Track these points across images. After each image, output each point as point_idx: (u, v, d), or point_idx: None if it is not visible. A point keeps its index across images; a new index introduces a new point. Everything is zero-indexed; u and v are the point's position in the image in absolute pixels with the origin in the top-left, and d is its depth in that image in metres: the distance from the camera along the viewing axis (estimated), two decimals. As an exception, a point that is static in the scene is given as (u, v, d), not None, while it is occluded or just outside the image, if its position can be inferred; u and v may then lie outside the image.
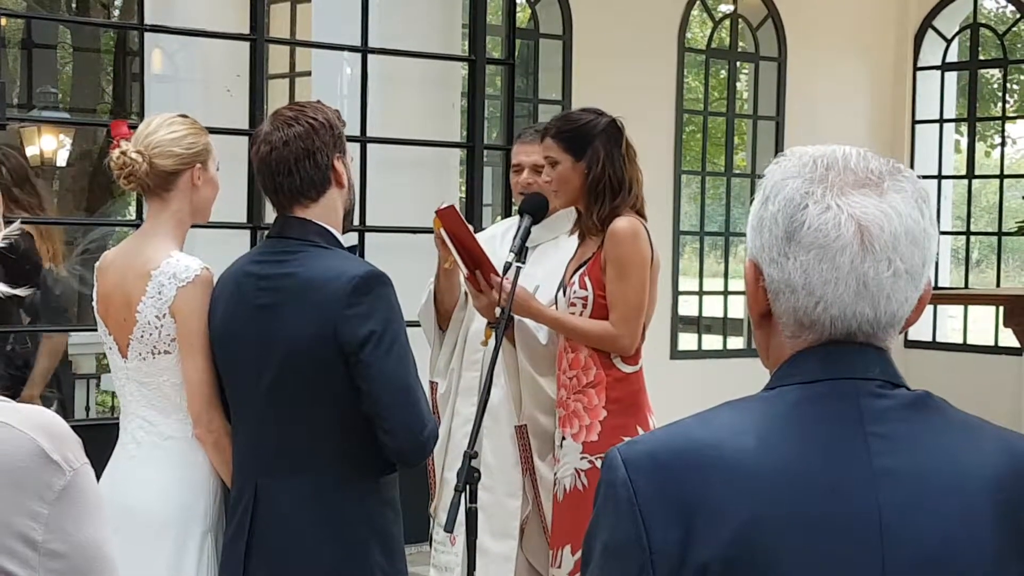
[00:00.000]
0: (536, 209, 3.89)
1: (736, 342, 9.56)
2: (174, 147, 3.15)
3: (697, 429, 1.45)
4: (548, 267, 4.05)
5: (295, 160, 2.89)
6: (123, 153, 3.13)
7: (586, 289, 3.74)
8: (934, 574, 1.39)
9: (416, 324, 3.79)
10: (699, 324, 9.52)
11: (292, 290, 2.88)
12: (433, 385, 4.23)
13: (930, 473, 1.41)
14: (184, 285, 3.07)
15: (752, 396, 1.49)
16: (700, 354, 9.28)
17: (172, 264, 3.10)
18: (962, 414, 1.48)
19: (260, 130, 2.99)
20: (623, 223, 3.70)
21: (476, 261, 3.73)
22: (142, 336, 3.12)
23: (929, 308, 9.57)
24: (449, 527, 3.36)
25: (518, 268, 3.73)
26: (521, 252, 3.75)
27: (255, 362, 2.92)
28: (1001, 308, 6.61)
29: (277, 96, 8.21)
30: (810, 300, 1.42)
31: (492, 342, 3.75)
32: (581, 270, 3.77)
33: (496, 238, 4.20)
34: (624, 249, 3.69)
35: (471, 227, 3.92)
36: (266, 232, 5.89)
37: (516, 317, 3.91)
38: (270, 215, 7.21)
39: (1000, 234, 9.81)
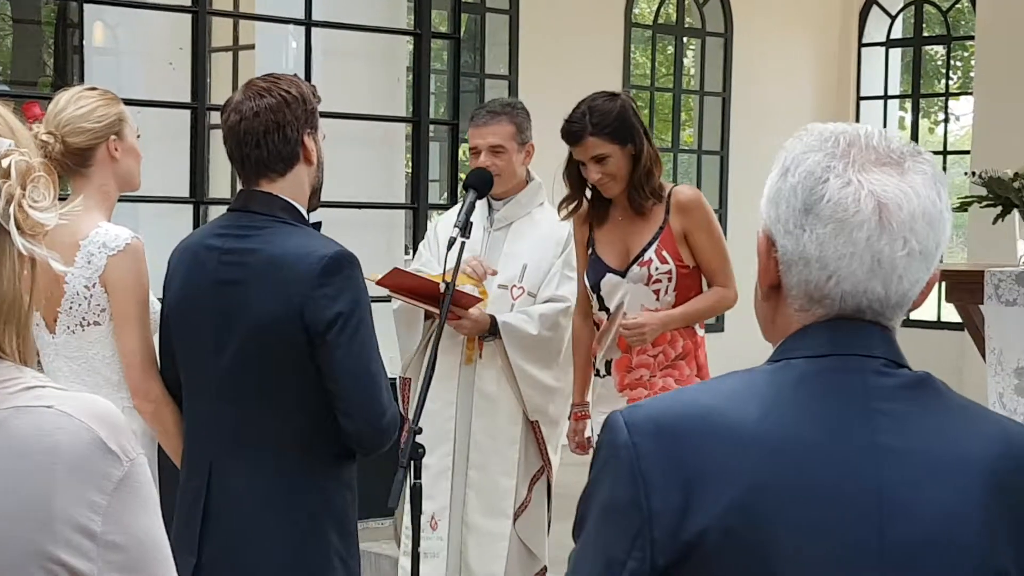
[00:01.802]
0: (480, 184, 3.88)
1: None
2: (84, 122, 3.10)
3: (702, 396, 1.46)
4: (531, 242, 4.11)
5: (264, 132, 2.84)
6: (35, 136, 3.03)
7: (667, 263, 3.85)
8: (931, 552, 1.40)
9: (380, 299, 3.76)
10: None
11: (257, 266, 2.82)
12: (406, 381, 4.23)
13: (931, 453, 1.42)
14: (114, 254, 3.03)
15: (758, 367, 1.49)
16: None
17: (101, 234, 3.06)
18: (960, 397, 1.50)
19: (232, 98, 2.93)
20: (686, 190, 3.96)
21: (438, 299, 3.75)
22: (70, 308, 3.08)
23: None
24: (393, 502, 3.35)
25: (463, 243, 3.72)
26: (466, 227, 3.73)
27: (215, 337, 2.87)
28: (943, 283, 6.65)
29: (220, 70, 8.13)
30: (823, 274, 1.43)
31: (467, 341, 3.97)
32: (653, 246, 3.86)
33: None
34: (703, 212, 3.91)
35: (415, 272, 3.99)
36: (211, 207, 5.91)
37: (498, 316, 3.99)
38: (214, 190, 7.15)
39: (957, 210, 9.89)
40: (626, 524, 1.40)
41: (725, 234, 9.27)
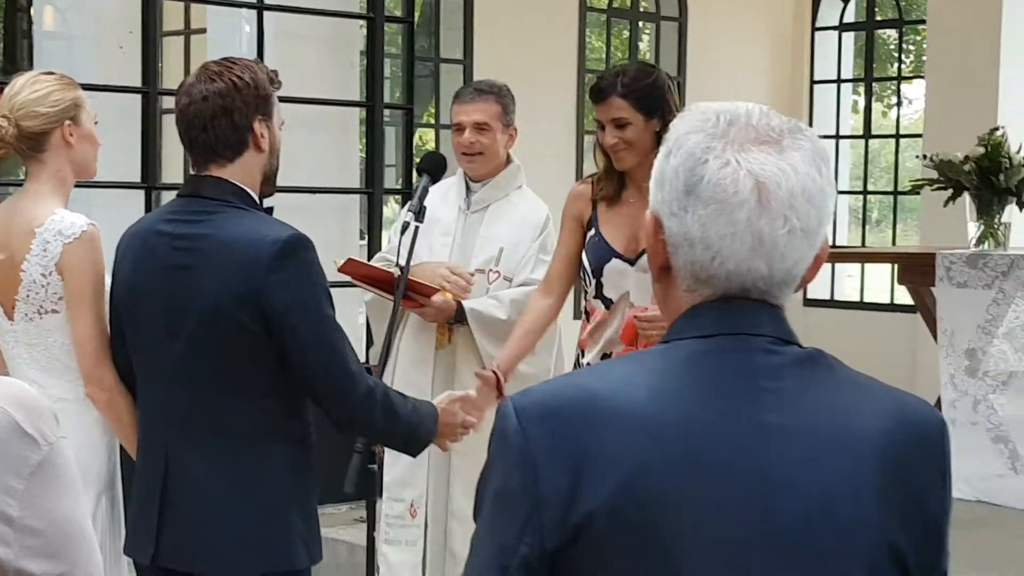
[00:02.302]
0: (434, 168, 3.86)
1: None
2: (38, 107, 3.07)
3: (591, 380, 1.48)
4: (508, 226, 4.08)
5: (211, 116, 2.81)
6: None
7: None
8: (814, 528, 1.41)
9: (339, 284, 3.74)
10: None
11: (209, 252, 2.80)
12: (373, 369, 4.20)
13: (817, 430, 1.42)
14: (70, 242, 3.02)
15: (648, 349, 1.51)
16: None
17: (57, 221, 3.05)
18: (853, 373, 1.50)
19: (185, 81, 2.91)
20: None
21: (390, 284, 3.75)
22: (28, 296, 3.06)
23: (827, 267, 9.71)
24: (349, 487, 3.35)
25: (416, 227, 3.70)
26: (419, 212, 3.72)
27: (167, 324, 2.85)
28: (895, 266, 6.71)
29: (172, 54, 8.06)
30: (706, 254, 1.43)
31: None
32: None
33: (435, 202, 4.13)
34: None
35: (373, 263, 3.99)
36: (163, 192, 5.85)
37: (466, 303, 3.94)
38: (167, 174, 7.08)
39: (896, 193, 9.96)
40: (517, 510, 1.41)
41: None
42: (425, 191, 3.77)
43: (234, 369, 2.81)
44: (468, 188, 4.13)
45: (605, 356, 3.61)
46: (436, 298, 3.86)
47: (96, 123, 3.18)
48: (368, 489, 3.56)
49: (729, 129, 1.43)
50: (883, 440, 1.44)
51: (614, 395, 1.41)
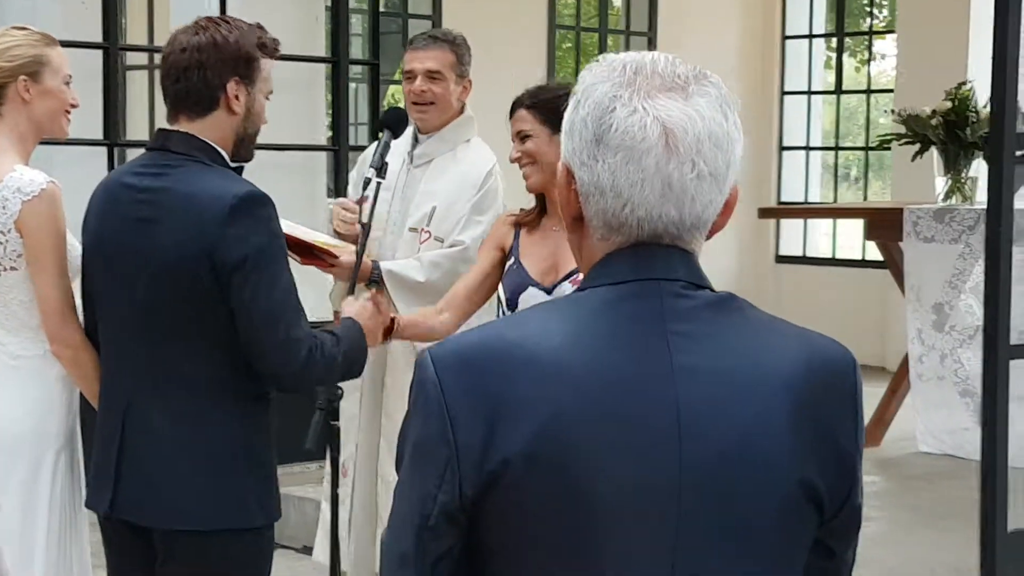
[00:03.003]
0: (395, 122, 3.81)
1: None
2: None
3: (506, 329, 1.52)
4: (446, 183, 3.92)
5: (184, 68, 2.82)
6: None
7: None
8: (729, 468, 1.44)
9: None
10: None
11: (169, 205, 2.80)
12: (336, 315, 4.15)
13: (729, 370, 1.46)
14: (29, 199, 3.01)
15: (564, 297, 1.54)
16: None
17: (15, 178, 3.04)
18: (764, 315, 1.53)
19: (176, 31, 2.91)
20: None
21: (308, 249, 3.61)
22: None
23: (799, 223, 9.74)
24: (311, 444, 3.34)
25: (378, 184, 3.66)
26: (381, 168, 3.68)
27: (128, 277, 2.85)
28: (865, 221, 6.72)
29: (134, 10, 7.97)
30: (618, 202, 1.46)
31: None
32: (574, 276, 3.30)
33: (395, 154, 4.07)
34: None
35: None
36: (127, 149, 5.82)
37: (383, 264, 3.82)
38: (131, 131, 7.01)
39: (867, 149, 9.97)
40: (436, 458, 1.44)
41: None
42: (387, 147, 3.71)
43: (189, 323, 2.81)
44: (416, 141, 3.99)
45: None
46: (345, 257, 3.68)
47: (68, 83, 3.15)
48: (333, 446, 3.55)
49: (635, 77, 1.45)
50: (794, 378, 1.47)
51: (528, 343, 1.44)
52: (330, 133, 6.16)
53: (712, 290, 1.50)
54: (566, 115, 1.51)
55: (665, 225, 1.46)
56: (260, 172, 5.97)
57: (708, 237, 1.53)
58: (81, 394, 3.17)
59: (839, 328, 10.57)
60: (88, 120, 5.52)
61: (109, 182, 2.98)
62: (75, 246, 3.14)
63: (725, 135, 1.47)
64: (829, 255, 9.89)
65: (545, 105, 3.33)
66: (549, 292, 3.35)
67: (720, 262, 9.55)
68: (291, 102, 5.95)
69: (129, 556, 2.97)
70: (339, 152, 5.89)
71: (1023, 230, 3.21)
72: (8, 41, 3.10)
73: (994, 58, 3.05)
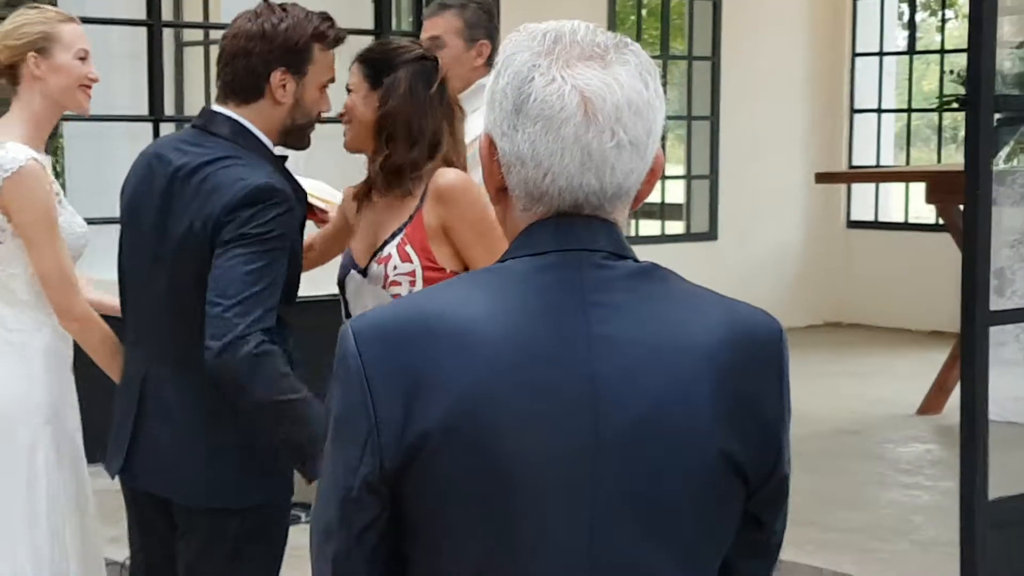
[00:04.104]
0: None
1: (676, 227, 9.56)
2: (7, 40, 3.14)
3: (425, 301, 1.52)
4: None
5: (233, 55, 2.83)
6: None
7: (411, 261, 3.01)
8: (645, 437, 1.43)
9: None
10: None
11: (191, 184, 2.81)
12: None
13: (648, 340, 1.45)
14: (8, 175, 3.06)
15: (485, 268, 1.54)
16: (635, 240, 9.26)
17: (2, 154, 3.06)
18: (688, 284, 1.52)
19: (240, 14, 2.91)
20: (449, 174, 3.02)
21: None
22: None
23: (870, 187, 9.57)
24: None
25: None
26: None
27: (152, 250, 2.88)
28: (925, 184, 6.59)
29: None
30: (538, 172, 1.46)
31: None
32: (396, 239, 3.02)
33: None
34: (468, 202, 3.01)
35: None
36: (170, 124, 5.88)
37: None
38: (189, 107, 7.05)
39: (940, 110, 9.75)
40: (356, 430, 1.44)
41: (716, 140, 9.19)
42: None
43: (204, 300, 2.82)
44: None
45: None
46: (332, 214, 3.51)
47: (82, 59, 3.17)
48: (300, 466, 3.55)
49: (555, 47, 1.45)
50: (715, 348, 1.46)
51: (448, 315, 1.44)
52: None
53: (636, 260, 1.50)
54: (488, 85, 1.51)
55: (586, 195, 1.46)
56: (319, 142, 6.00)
57: (634, 207, 1.53)
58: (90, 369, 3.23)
59: (912, 293, 10.33)
60: (134, 96, 5.60)
61: (148, 152, 3.00)
62: (79, 223, 3.19)
63: (645, 103, 1.46)
64: (901, 220, 9.71)
65: (373, 60, 3.05)
66: (364, 273, 3.05)
67: (789, 228, 9.43)
68: (337, 74, 5.98)
69: (151, 525, 3.01)
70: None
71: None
72: (18, 20, 3.15)
73: (971, 16, 2.96)
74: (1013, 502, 3.22)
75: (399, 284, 3.01)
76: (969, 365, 3.10)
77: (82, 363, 3.34)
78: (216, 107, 2.89)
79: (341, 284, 3.14)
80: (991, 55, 2.91)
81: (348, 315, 3.12)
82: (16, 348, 3.19)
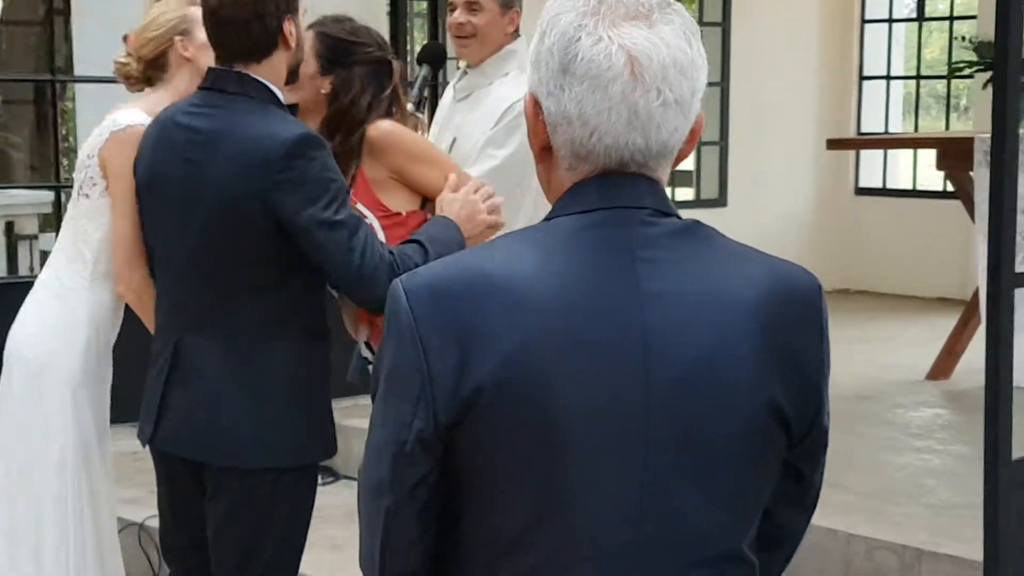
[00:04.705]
0: (432, 58, 3.80)
1: (685, 193, 9.56)
2: (148, 33, 3.25)
3: (476, 258, 1.54)
4: (472, 116, 3.82)
5: (244, 22, 2.84)
6: (116, 61, 3.27)
7: (366, 217, 3.04)
8: (695, 389, 1.47)
9: None
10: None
11: (219, 146, 2.84)
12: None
13: (694, 295, 1.48)
14: (116, 131, 3.17)
15: (532, 227, 1.55)
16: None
17: (120, 114, 3.18)
18: (730, 241, 1.55)
19: None
20: (380, 125, 3.12)
21: None
22: (78, 173, 3.23)
23: (879, 155, 9.57)
24: (352, 377, 3.38)
25: (416, 119, 3.67)
26: (420, 103, 3.68)
27: (179, 217, 2.90)
28: (936, 151, 6.59)
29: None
30: (585, 131, 1.48)
31: None
32: None
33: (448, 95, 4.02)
34: (403, 143, 3.14)
35: None
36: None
37: None
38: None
39: (949, 77, 9.74)
40: (410, 386, 1.47)
41: (727, 106, 9.16)
42: (425, 80, 3.72)
43: (240, 264, 2.86)
44: (464, 74, 3.90)
45: (367, 344, 3.23)
46: None
47: None
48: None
49: (600, 6, 1.48)
50: (759, 302, 1.49)
51: (498, 272, 1.47)
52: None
53: (679, 217, 1.52)
54: (532, 45, 1.53)
55: (631, 153, 1.48)
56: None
57: (674, 165, 1.56)
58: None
59: (920, 260, 10.36)
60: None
61: (163, 119, 3.01)
62: None
63: (690, 62, 1.48)
64: (910, 187, 9.72)
65: (332, 44, 3.12)
66: None
67: (799, 194, 9.44)
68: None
69: (180, 488, 3.04)
70: (400, 88, 5.91)
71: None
72: (151, 13, 3.27)
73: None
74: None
75: None
76: (994, 325, 3.13)
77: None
78: (222, 66, 2.91)
79: None
80: (1019, 17, 2.92)
81: None
82: (66, 304, 3.25)
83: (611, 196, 1.49)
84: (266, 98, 2.88)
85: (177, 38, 3.22)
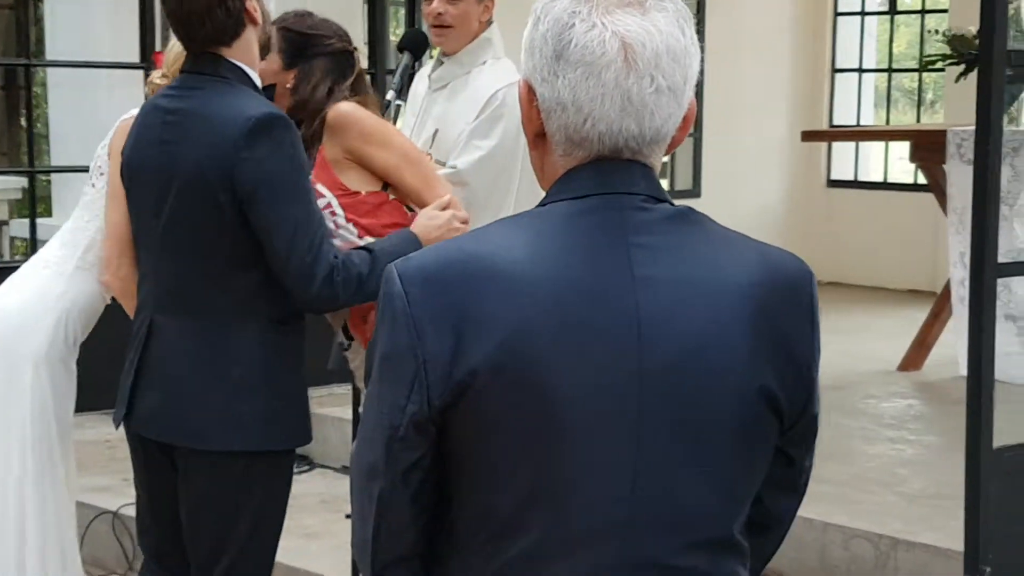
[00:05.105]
0: (414, 45, 3.79)
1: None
2: (180, 49, 3.21)
3: (470, 243, 1.54)
4: (452, 106, 3.80)
5: (207, 10, 2.84)
6: (151, 83, 3.31)
7: (324, 197, 3.10)
8: (688, 372, 1.48)
9: None
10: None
11: (190, 127, 2.85)
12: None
13: (687, 280, 1.49)
14: (124, 120, 3.16)
15: (526, 212, 1.56)
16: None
17: (136, 108, 3.18)
18: (722, 228, 1.56)
19: None
20: (340, 106, 3.16)
21: None
22: (92, 164, 3.32)
23: (850, 147, 9.61)
24: (333, 364, 3.38)
25: (398, 106, 3.66)
26: (401, 90, 3.67)
27: (154, 198, 2.90)
28: (910, 144, 6.63)
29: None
30: (579, 117, 1.48)
31: None
32: None
33: (418, 78, 4.00)
34: (362, 123, 3.17)
35: None
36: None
37: None
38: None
39: (920, 70, 9.79)
40: (403, 369, 1.47)
41: (700, 97, 9.18)
42: (407, 69, 3.71)
43: (209, 244, 2.85)
44: (440, 63, 3.88)
45: (344, 328, 3.26)
46: None
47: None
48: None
49: None
50: (751, 288, 1.50)
51: (492, 256, 1.48)
52: (367, 55, 6.14)
53: (671, 204, 1.53)
54: (526, 31, 1.53)
55: (625, 139, 1.49)
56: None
57: (668, 152, 1.56)
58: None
59: (891, 252, 10.40)
60: (121, 44, 5.55)
61: (146, 104, 3.04)
62: None
63: (683, 49, 1.49)
64: (881, 179, 9.77)
65: (293, 38, 3.17)
66: None
67: (770, 186, 9.48)
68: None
69: (155, 472, 3.03)
70: (376, 74, 5.88)
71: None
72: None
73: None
74: (1011, 451, 3.29)
75: None
76: (977, 315, 3.15)
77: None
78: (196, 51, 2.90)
79: None
80: (1004, 11, 2.94)
81: None
82: (42, 284, 3.28)
83: (605, 182, 1.50)
84: (240, 79, 2.88)
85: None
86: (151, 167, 2.90)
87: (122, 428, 3.05)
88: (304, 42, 3.18)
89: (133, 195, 3.00)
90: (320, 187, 3.10)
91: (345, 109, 3.15)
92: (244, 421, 2.87)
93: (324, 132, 3.16)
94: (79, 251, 3.26)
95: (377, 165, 3.16)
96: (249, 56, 2.90)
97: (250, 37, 2.89)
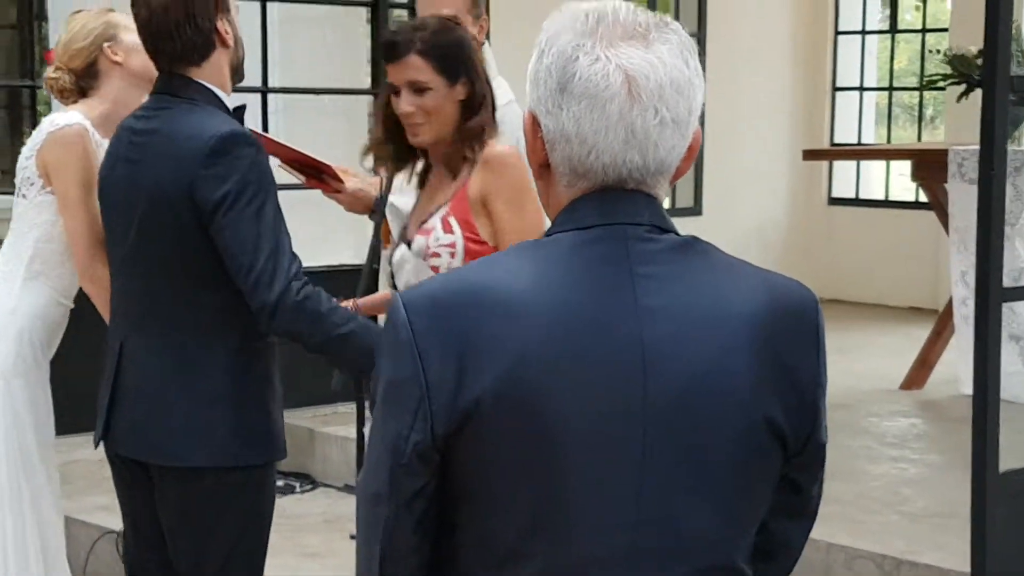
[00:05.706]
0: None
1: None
2: (75, 44, 3.29)
3: (474, 273, 1.55)
4: None
5: (175, 26, 2.84)
6: (47, 77, 3.32)
7: (452, 233, 3.02)
8: (693, 402, 1.48)
9: (291, 187, 3.64)
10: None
11: (154, 145, 2.87)
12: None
13: (692, 310, 1.49)
14: (54, 131, 3.20)
15: (531, 241, 1.57)
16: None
17: (58, 116, 3.25)
18: (727, 257, 1.57)
19: None
20: (502, 147, 3.05)
21: (313, 167, 3.49)
22: (18, 174, 3.29)
23: (851, 165, 9.63)
24: (337, 384, 3.38)
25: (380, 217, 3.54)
26: (383, 207, 3.57)
27: (123, 217, 2.93)
28: (911, 162, 6.64)
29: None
30: (583, 149, 1.49)
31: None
32: (440, 211, 3.04)
33: None
34: (513, 175, 3.00)
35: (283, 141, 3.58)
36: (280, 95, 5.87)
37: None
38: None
39: (921, 89, 9.81)
40: (408, 398, 1.48)
41: (702, 116, 9.24)
42: (391, 183, 3.62)
43: (174, 262, 2.86)
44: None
45: None
46: (350, 184, 3.50)
47: None
48: (359, 386, 3.59)
49: (598, 27, 1.50)
50: (755, 317, 1.51)
51: (497, 286, 1.48)
52: (371, 76, 6.18)
53: (676, 233, 1.54)
54: (531, 64, 1.54)
55: (629, 171, 1.50)
56: (297, 116, 6.03)
57: (672, 182, 1.57)
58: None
59: (892, 269, 10.41)
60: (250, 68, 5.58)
61: (119, 126, 3.03)
62: None
63: (687, 81, 1.50)
64: (882, 197, 9.79)
65: (440, 48, 3.00)
66: (410, 246, 3.09)
67: (771, 204, 9.49)
68: (331, 46, 5.98)
69: (136, 490, 3.03)
70: (378, 96, 5.91)
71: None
72: (73, 27, 3.30)
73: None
74: (1017, 475, 3.30)
75: (439, 256, 3.02)
76: (982, 339, 3.16)
77: (78, 331, 3.41)
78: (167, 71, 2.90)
79: (390, 258, 3.17)
80: (1008, 33, 2.95)
81: (394, 286, 3.17)
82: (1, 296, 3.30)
83: (609, 212, 1.51)
84: (208, 100, 2.89)
85: (105, 45, 3.27)
86: (120, 187, 2.94)
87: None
88: (454, 52, 3.02)
89: (105, 215, 3.03)
90: (453, 221, 3.01)
91: (507, 152, 3.03)
92: (212, 438, 2.86)
93: (479, 164, 3.02)
94: (24, 263, 3.30)
95: (496, 224, 3.02)
96: (219, 77, 2.91)
97: (220, 59, 2.90)
